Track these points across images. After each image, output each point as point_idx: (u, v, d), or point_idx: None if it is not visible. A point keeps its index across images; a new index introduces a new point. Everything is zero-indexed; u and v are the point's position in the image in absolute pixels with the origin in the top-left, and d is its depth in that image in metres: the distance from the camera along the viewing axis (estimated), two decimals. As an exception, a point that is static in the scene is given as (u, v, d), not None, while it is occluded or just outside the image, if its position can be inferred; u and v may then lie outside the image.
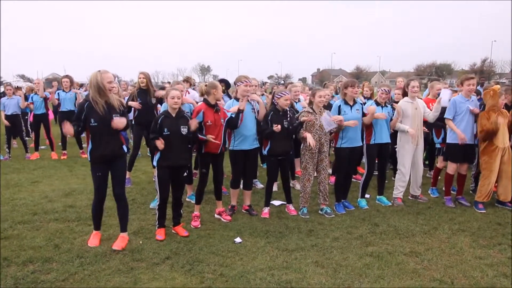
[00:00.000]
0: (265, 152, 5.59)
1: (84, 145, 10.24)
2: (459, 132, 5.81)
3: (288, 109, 5.52)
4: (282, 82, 36.53)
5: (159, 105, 7.05)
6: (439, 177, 6.75)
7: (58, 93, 9.80)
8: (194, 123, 4.77)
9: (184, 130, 4.75)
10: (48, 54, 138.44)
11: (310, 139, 5.37)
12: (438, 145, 6.74)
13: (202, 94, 5.30)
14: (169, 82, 19.43)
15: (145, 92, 7.57)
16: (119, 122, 4.24)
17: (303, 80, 78.51)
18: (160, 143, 4.57)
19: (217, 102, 5.21)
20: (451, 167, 6.14)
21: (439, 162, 6.69)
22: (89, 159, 4.47)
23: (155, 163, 4.86)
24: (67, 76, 10.05)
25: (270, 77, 79.56)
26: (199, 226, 5.19)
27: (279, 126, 5.24)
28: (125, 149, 4.60)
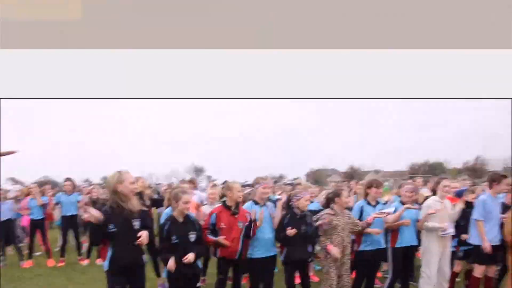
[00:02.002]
0: (282, 258, 5.27)
1: (84, 251, 9.67)
2: (485, 240, 5.53)
3: (306, 212, 5.34)
4: (286, 182, 35.99)
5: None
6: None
7: (59, 196, 9.44)
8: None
9: (192, 237, 4.39)
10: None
11: (333, 250, 5.01)
12: (453, 248, 6.18)
13: (221, 197, 5.14)
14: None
15: (140, 196, 7.44)
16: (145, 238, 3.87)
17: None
18: (172, 264, 4.20)
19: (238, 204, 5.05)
20: (479, 270, 5.73)
21: (456, 266, 6.28)
22: (106, 269, 4.02)
23: (164, 275, 4.50)
24: (69, 179, 9.68)
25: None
26: None
27: (294, 230, 4.98)
28: (144, 258, 4.19)
